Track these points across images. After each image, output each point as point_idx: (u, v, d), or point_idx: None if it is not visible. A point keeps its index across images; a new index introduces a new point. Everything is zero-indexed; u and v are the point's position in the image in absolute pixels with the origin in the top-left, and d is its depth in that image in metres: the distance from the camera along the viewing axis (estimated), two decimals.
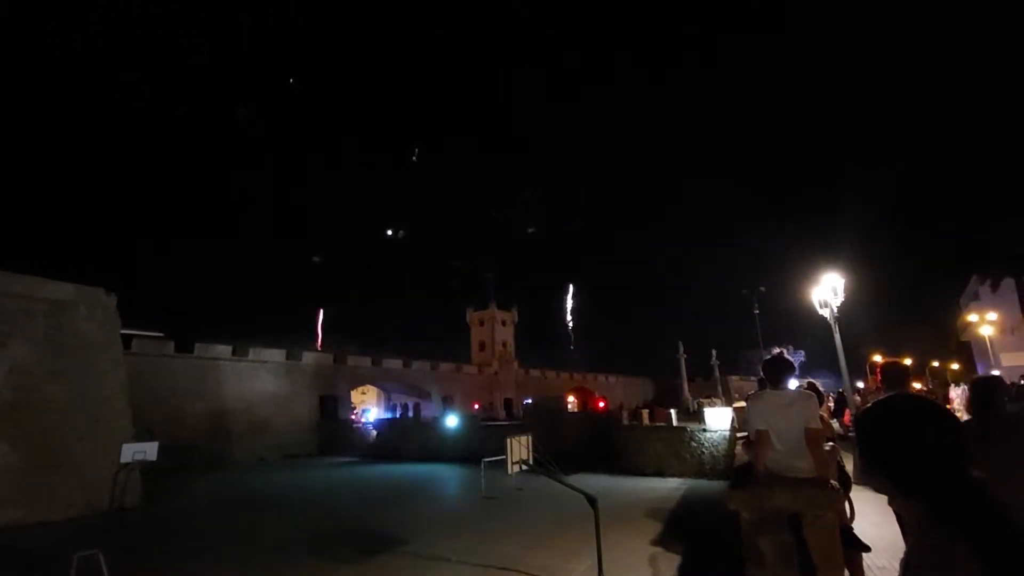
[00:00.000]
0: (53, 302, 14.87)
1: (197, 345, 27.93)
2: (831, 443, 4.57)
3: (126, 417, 15.66)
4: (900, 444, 1.03)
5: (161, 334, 27.76)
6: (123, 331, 17.34)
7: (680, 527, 9.73)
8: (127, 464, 14.24)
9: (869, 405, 1.21)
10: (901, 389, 3.91)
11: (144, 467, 14.97)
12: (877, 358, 38.82)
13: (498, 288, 59.95)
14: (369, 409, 44.61)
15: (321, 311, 58.05)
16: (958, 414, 10.41)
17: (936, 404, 1.14)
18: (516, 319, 60.25)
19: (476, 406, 44.55)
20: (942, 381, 32.68)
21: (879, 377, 4.14)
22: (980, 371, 37.10)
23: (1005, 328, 34.45)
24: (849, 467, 5.30)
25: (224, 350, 28.86)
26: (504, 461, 12.03)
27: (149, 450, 14.81)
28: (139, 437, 15.63)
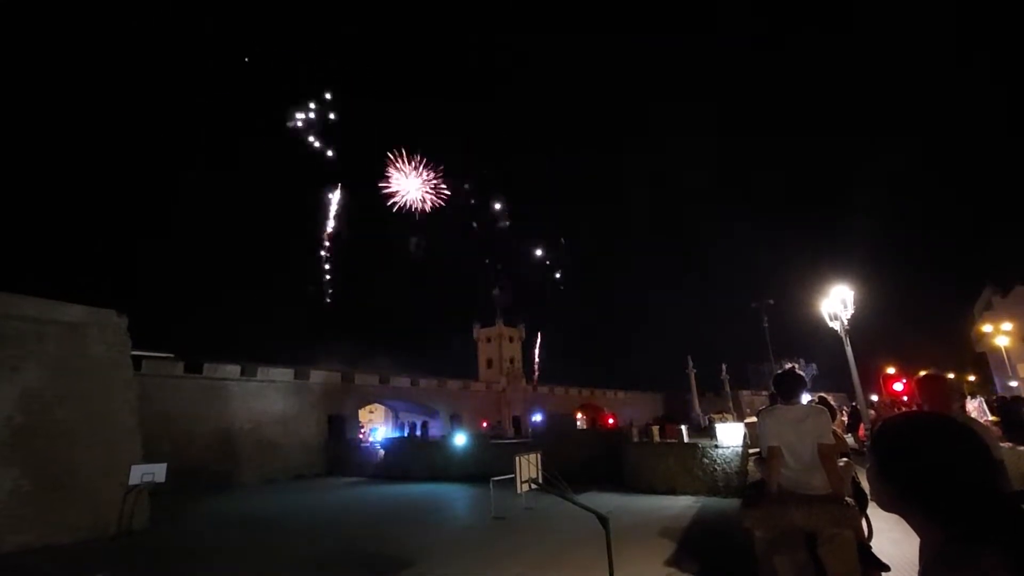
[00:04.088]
0: (64, 325, 15.01)
1: (206, 365, 28.05)
2: (845, 458, 4.48)
3: (135, 439, 15.66)
4: (930, 463, 1.03)
5: (171, 355, 27.90)
6: (133, 352, 17.44)
7: (694, 546, 9.53)
8: (136, 486, 14.22)
9: (889, 423, 1.17)
10: (945, 408, 3.64)
11: (152, 489, 14.95)
12: (891, 370, 38.24)
13: (504, 304, 59.79)
14: (377, 428, 44.42)
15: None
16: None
17: (958, 421, 1.13)
18: (523, 335, 60.10)
19: (484, 424, 44.21)
20: (958, 393, 32.04)
21: (921, 392, 3.76)
22: (997, 383, 36.41)
23: (1021, 338, 33.79)
24: (865, 483, 5.18)
25: (233, 370, 28.94)
26: (513, 480, 11.98)
27: (158, 472, 14.80)
28: (148, 458, 15.62)
